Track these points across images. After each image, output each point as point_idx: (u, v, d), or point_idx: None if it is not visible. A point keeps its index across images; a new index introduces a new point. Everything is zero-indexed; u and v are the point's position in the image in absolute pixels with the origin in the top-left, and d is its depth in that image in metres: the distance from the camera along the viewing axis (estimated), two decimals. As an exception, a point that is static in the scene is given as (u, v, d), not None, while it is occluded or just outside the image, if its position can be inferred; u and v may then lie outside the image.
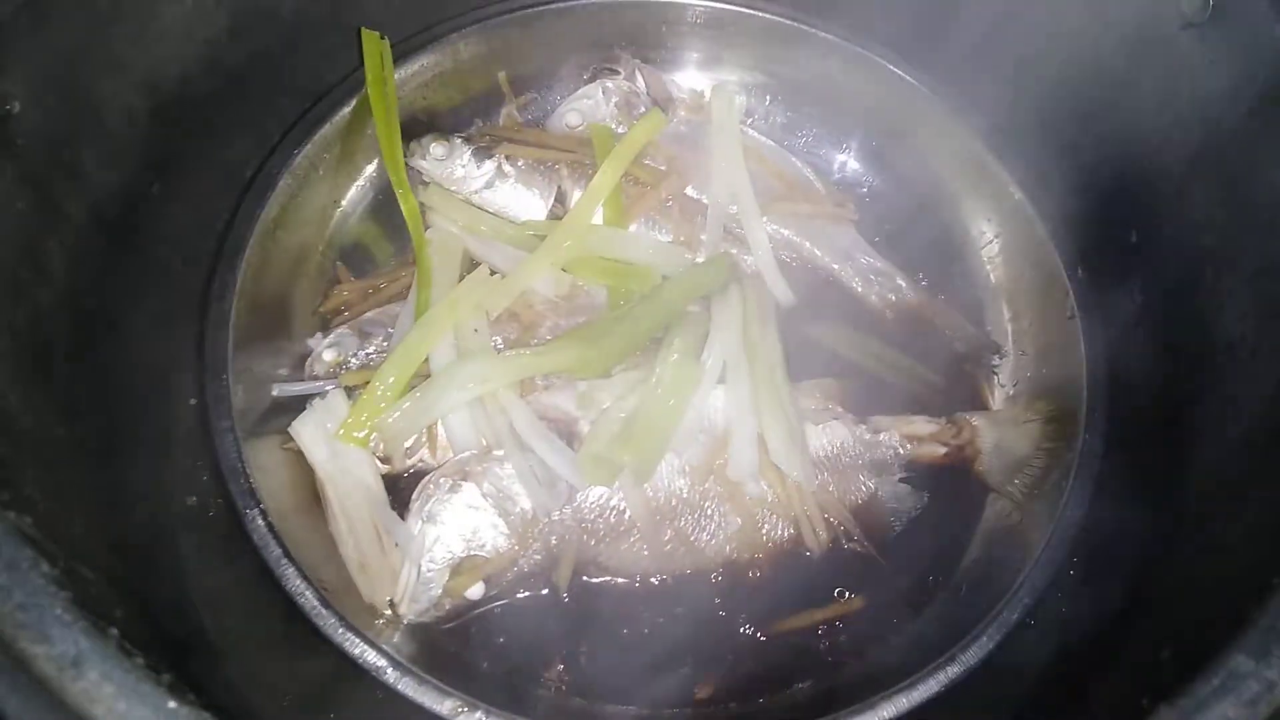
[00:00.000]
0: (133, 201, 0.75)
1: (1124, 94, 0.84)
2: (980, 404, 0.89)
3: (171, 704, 0.44)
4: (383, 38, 0.89)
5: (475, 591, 0.76)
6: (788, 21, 0.97)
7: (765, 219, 0.94)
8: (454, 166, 0.92)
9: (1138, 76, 0.82)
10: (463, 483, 0.76)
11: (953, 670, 0.70)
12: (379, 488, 0.79)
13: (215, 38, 0.80)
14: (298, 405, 0.80)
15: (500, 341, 0.86)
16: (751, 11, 0.98)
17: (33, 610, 0.44)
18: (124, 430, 0.72)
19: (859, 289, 0.95)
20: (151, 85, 0.76)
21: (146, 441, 0.75)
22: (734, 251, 0.94)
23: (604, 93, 0.97)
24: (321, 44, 0.90)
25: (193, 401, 0.80)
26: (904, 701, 0.69)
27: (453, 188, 0.92)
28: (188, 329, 0.81)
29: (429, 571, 0.74)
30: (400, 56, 0.91)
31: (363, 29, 0.87)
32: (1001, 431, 0.86)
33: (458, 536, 0.75)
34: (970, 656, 0.71)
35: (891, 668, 0.73)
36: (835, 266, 0.95)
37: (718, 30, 0.98)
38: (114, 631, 0.45)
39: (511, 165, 0.93)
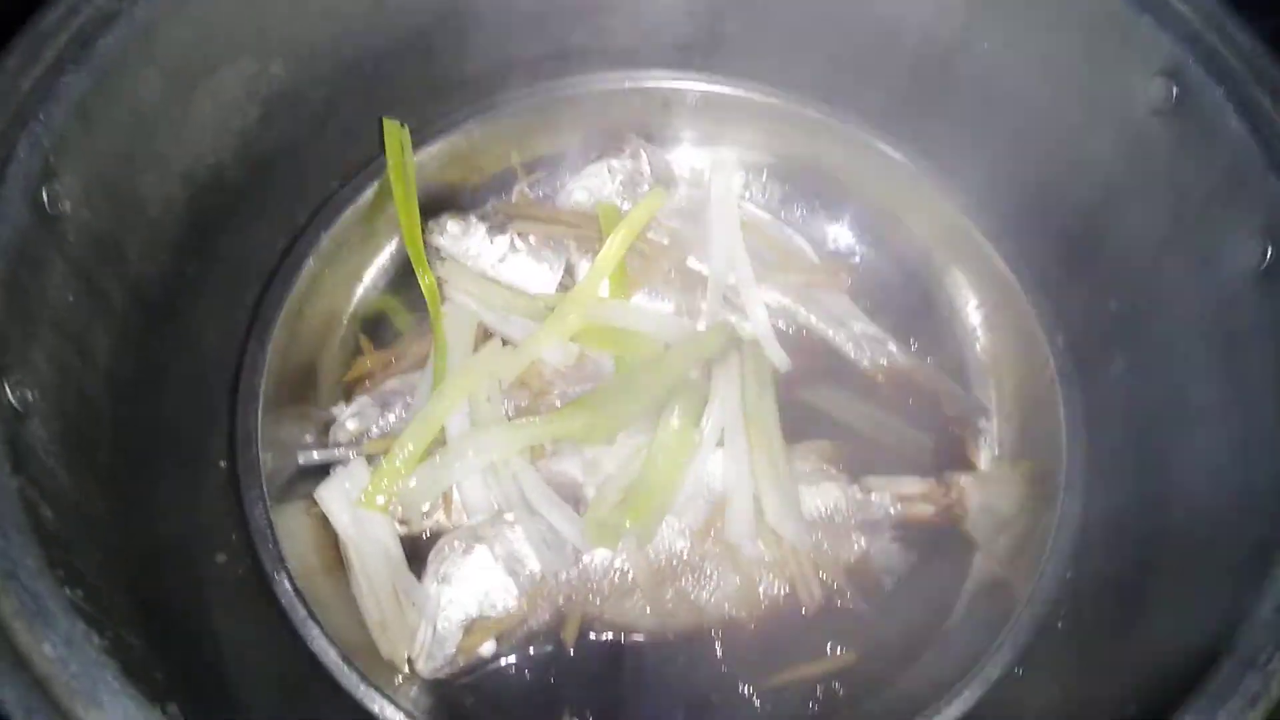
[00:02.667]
0: (171, 284, 0.80)
1: (1101, 172, 0.88)
2: (968, 465, 0.93)
3: None
4: (403, 125, 0.95)
5: (487, 649, 0.80)
6: (779, 102, 1.03)
7: (762, 288, 1.00)
8: (469, 243, 0.97)
9: (1113, 156, 0.87)
10: (475, 545, 0.81)
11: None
12: (398, 551, 0.84)
13: (247, 128, 0.85)
14: (322, 470, 0.86)
15: (511, 409, 0.91)
16: (746, 95, 1.04)
17: (86, 679, 0.49)
18: (158, 495, 0.76)
19: (852, 353, 1.00)
20: (189, 176, 0.81)
21: (179, 503, 0.79)
22: (733, 319, 0.99)
23: (609, 171, 1.03)
24: (346, 127, 0.95)
25: (222, 464, 0.84)
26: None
27: (468, 263, 0.98)
28: (220, 395, 0.86)
29: (444, 630, 0.79)
30: (420, 140, 0.97)
31: (385, 119, 0.93)
32: (988, 491, 0.90)
33: (471, 596, 0.80)
34: (954, 710, 0.75)
35: (881, 720, 0.77)
36: (830, 332, 1.00)
37: (716, 112, 1.04)
38: (167, 708, 0.50)
39: (523, 241, 0.98)
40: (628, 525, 0.80)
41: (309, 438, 0.90)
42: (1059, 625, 0.80)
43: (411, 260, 0.95)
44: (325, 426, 0.91)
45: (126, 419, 0.73)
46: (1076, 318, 0.91)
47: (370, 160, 0.97)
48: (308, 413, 0.91)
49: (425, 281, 0.94)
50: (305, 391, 0.91)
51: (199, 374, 0.85)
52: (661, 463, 0.84)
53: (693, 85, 1.03)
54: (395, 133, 0.95)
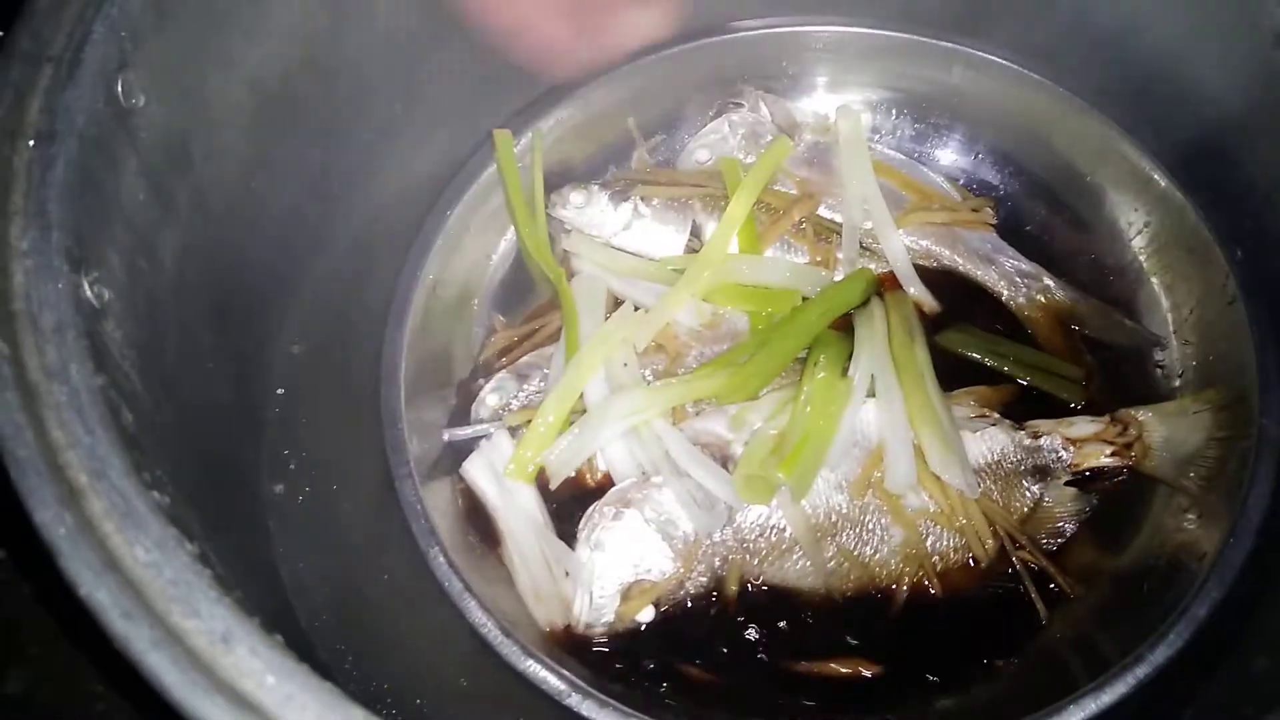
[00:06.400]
0: (233, 195, 0.79)
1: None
2: (1143, 399, 0.85)
3: (317, 679, 0.45)
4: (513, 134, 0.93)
5: (646, 615, 0.78)
6: (907, 36, 0.98)
7: (901, 230, 0.95)
8: (592, 212, 0.96)
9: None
10: (625, 510, 0.79)
11: (1141, 671, 0.68)
12: (545, 519, 0.82)
13: (315, 36, 0.82)
14: (466, 448, 0.86)
15: (649, 373, 0.88)
16: (870, 31, 0.99)
17: (182, 586, 0.46)
18: (218, 414, 0.77)
19: (1005, 292, 0.94)
20: (256, 82, 0.78)
21: (238, 428, 0.82)
22: (872, 266, 0.95)
23: (730, 126, 1.00)
24: (415, 47, 0.91)
25: (280, 391, 0.87)
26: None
27: (593, 232, 0.96)
28: (274, 316, 0.88)
29: (601, 597, 0.77)
30: (533, 113, 0.96)
31: (495, 131, 0.91)
32: (1171, 424, 0.83)
33: (625, 562, 0.78)
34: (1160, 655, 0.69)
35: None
36: (979, 272, 0.94)
37: (838, 53, 1.00)
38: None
39: (646, 205, 0.96)
40: (780, 479, 0.76)
41: (449, 417, 0.89)
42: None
43: (539, 264, 0.93)
44: (466, 405, 0.90)
45: (191, 334, 0.72)
46: (1254, 228, 0.83)
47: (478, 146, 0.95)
48: (446, 394, 0.90)
49: (553, 276, 0.93)
50: (442, 373, 0.91)
51: (257, 291, 0.84)
52: (812, 412, 0.80)
53: (811, 28, 0.98)
54: (506, 143, 0.93)
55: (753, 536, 0.79)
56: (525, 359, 0.92)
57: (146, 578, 0.46)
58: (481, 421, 0.88)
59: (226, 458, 0.78)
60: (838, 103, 1.03)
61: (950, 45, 0.96)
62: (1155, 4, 0.87)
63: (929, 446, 0.80)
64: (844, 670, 0.77)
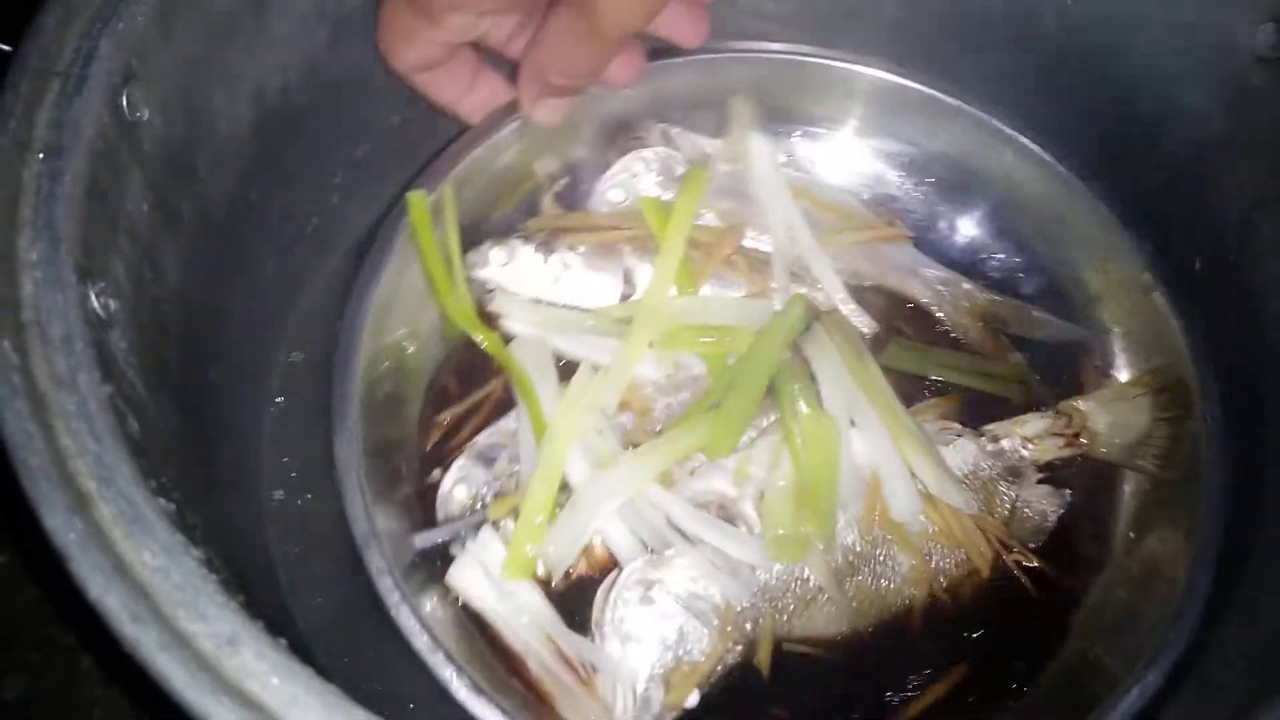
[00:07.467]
0: (235, 207, 0.80)
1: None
2: (1083, 391, 0.91)
3: (320, 681, 0.46)
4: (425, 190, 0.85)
5: (693, 700, 0.73)
6: (792, 57, 0.97)
7: (827, 253, 0.95)
8: (518, 269, 0.89)
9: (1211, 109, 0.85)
10: (650, 592, 0.74)
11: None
12: (554, 616, 0.76)
13: (315, 50, 0.83)
14: (441, 550, 0.77)
15: (619, 435, 0.83)
16: (747, 54, 0.97)
17: (189, 590, 0.46)
18: (220, 423, 0.79)
19: (931, 302, 0.96)
20: (258, 95, 0.79)
21: (239, 435, 0.84)
22: (804, 291, 0.94)
23: (642, 163, 0.96)
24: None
25: (279, 400, 0.90)
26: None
27: (520, 290, 0.89)
28: (277, 327, 0.91)
29: (646, 691, 0.71)
30: (441, 167, 0.87)
31: (409, 194, 0.83)
32: (1113, 410, 0.88)
33: (663, 648, 0.73)
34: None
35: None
36: (905, 285, 0.96)
37: (713, 78, 0.97)
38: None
39: (575, 254, 0.90)
40: (812, 532, 0.74)
41: (415, 522, 0.80)
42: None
43: (459, 327, 0.85)
44: (425, 500, 0.81)
45: (193, 342, 0.73)
46: (1157, 216, 0.90)
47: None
48: (407, 496, 0.81)
49: (488, 344, 0.85)
50: (397, 477, 0.81)
51: (258, 300, 0.86)
52: (812, 455, 0.78)
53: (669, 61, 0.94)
54: (420, 207, 0.84)
55: (781, 593, 0.77)
56: (482, 439, 0.84)
57: (154, 582, 0.46)
58: (453, 519, 0.80)
59: (228, 464, 0.80)
60: (734, 127, 1.01)
61: (831, 63, 0.97)
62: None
63: (923, 471, 0.80)
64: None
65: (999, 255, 0.99)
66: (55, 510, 0.47)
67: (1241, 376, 0.83)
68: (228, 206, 0.78)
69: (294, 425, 0.89)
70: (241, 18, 0.75)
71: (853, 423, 0.82)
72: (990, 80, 0.94)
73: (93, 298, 0.57)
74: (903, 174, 1.01)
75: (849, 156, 1.02)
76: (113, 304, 0.59)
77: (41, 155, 0.57)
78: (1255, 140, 0.81)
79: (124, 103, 0.63)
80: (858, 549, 0.79)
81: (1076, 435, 0.88)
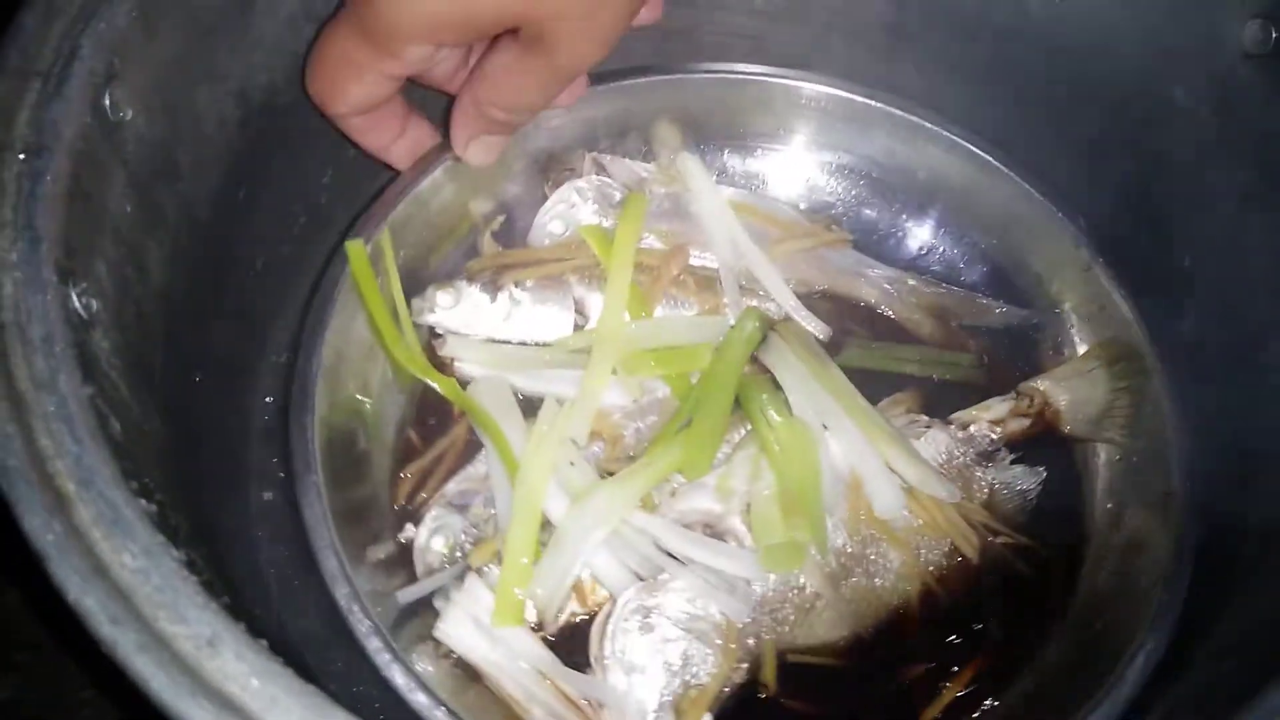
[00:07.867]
0: (220, 207, 0.78)
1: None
2: (1041, 371, 0.92)
3: (300, 682, 0.46)
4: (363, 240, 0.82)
5: (706, 722, 0.71)
6: (712, 75, 0.98)
7: (774, 263, 0.95)
8: (465, 310, 0.87)
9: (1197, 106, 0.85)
10: (649, 619, 0.71)
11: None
12: (551, 657, 0.72)
13: (301, 50, 0.80)
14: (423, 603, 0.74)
15: (592, 465, 0.81)
16: (670, 78, 0.98)
17: (169, 592, 0.46)
18: (205, 424, 0.77)
19: (880, 301, 0.97)
20: (243, 95, 0.78)
21: (226, 437, 0.83)
22: (756, 303, 0.94)
23: (578, 193, 0.95)
24: None
25: (268, 399, 0.88)
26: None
27: (470, 332, 0.87)
28: (262, 329, 0.89)
29: (656, 720, 0.69)
30: (375, 217, 0.85)
31: (348, 243, 0.81)
32: (1071, 386, 0.89)
33: (669, 675, 0.70)
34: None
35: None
36: (852, 288, 0.97)
37: (638, 103, 0.97)
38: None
39: (522, 290, 0.89)
40: (805, 538, 0.73)
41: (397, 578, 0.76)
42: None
43: (412, 375, 0.83)
44: (399, 556, 0.78)
45: (178, 343, 0.71)
46: (1084, 194, 0.92)
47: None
48: (385, 552, 0.77)
49: (444, 389, 0.83)
50: (368, 534, 0.77)
51: (244, 300, 0.85)
52: (792, 461, 0.77)
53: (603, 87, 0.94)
54: (359, 255, 0.81)
55: (779, 604, 0.75)
56: (452, 486, 0.81)
57: (134, 583, 0.46)
58: (434, 571, 0.76)
59: (215, 466, 0.79)
60: (664, 154, 1.01)
61: (745, 76, 0.98)
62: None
63: (901, 465, 0.80)
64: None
65: (939, 248, 1.00)
66: (34, 511, 0.47)
67: (1189, 340, 0.85)
68: (213, 206, 0.77)
69: (283, 426, 0.82)
70: (226, 17, 0.74)
71: (825, 426, 0.82)
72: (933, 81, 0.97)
73: (74, 298, 0.56)
74: (837, 180, 1.02)
75: (782, 168, 1.03)
76: (95, 304, 0.58)
77: (22, 155, 0.56)
78: (1242, 136, 0.82)
79: (106, 102, 0.62)
80: (849, 550, 0.78)
81: (1040, 414, 0.89)
